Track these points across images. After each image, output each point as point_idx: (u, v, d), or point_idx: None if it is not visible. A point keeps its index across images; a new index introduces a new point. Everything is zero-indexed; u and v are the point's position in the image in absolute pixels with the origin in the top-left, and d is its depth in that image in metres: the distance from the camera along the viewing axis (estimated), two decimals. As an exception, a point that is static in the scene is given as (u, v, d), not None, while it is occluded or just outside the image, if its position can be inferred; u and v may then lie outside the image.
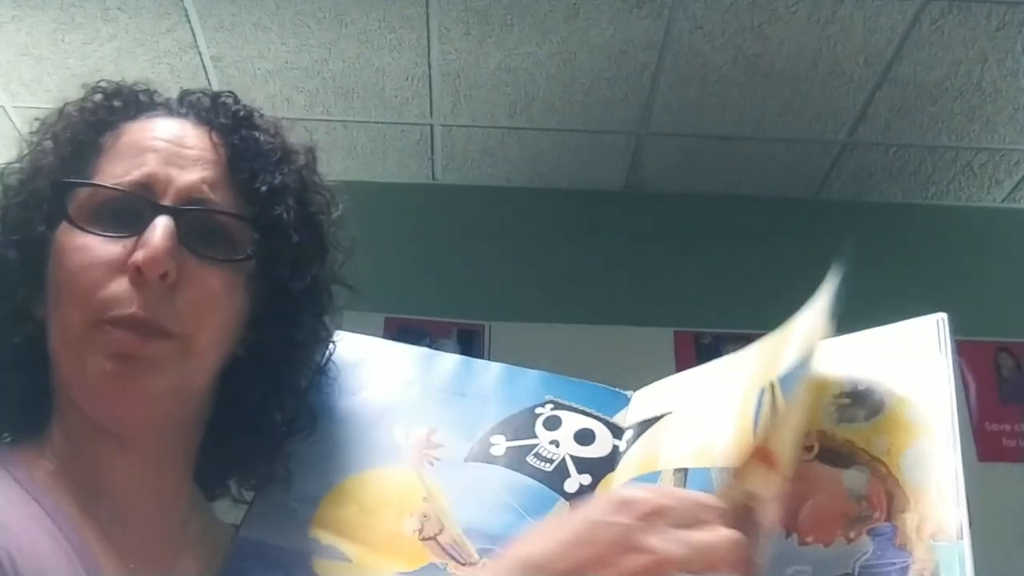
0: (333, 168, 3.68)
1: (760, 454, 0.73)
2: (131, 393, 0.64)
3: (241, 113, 0.72)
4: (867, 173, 3.12)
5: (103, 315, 0.63)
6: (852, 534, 0.62)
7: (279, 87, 2.78)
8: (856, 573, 0.61)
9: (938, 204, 3.26)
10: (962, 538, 0.59)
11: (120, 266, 0.64)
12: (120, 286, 0.63)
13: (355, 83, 2.77)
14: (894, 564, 0.60)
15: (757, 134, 2.94)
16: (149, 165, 0.68)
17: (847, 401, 0.70)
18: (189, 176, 0.68)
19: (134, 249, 0.64)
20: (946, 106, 2.76)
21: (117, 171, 0.67)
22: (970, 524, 0.59)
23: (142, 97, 0.74)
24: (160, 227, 0.64)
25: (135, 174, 0.67)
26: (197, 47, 2.63)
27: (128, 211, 0.66)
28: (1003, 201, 3.26)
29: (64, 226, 0.66)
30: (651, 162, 3.08)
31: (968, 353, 2.73)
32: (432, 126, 2.97)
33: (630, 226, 3.10)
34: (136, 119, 0.70)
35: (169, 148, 0.69)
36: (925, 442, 0.64)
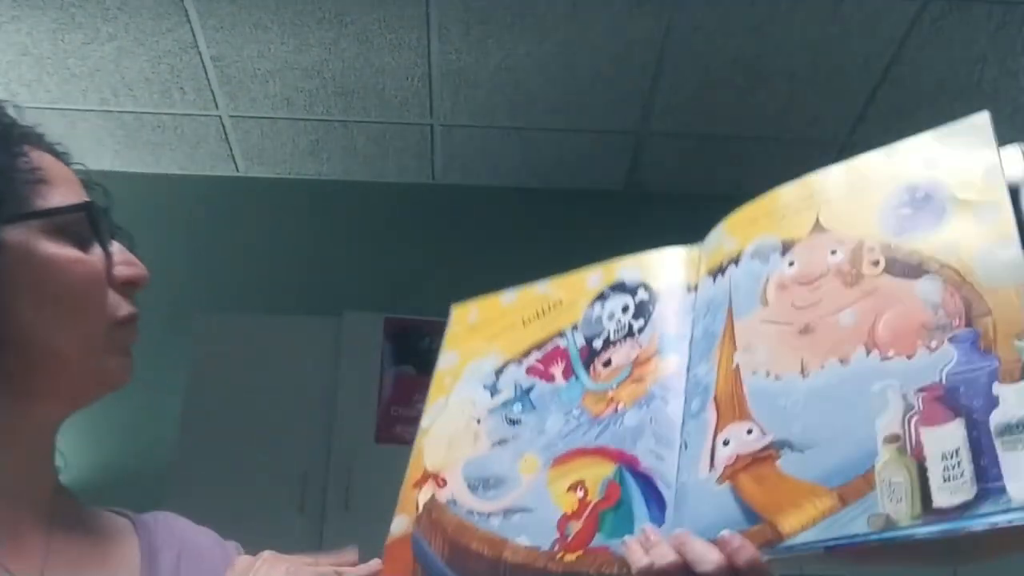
0: (333, 168, 3.68)
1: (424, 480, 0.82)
2: (126, 378, 0.75)
3: (64, 152, 0.81)
4: (867, 173, 3.12)
5: (114, 318, 0.73)
6: (934, 343, 0.60)
7: (279, 87, 2.78)
8: (945, 380, 0.59)
9: (938, 204, 3.26)
10: None
11: (107, 278, 0.74)
12: (113, 294, 0.74)
13: (355, 83, 2.77)
14: (982, 368, 0.58)
15: (757, 134, 2.94)
16: (81, 192, 0.76)
17: (907, 211, 0.68)
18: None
19: (110, 263, 0.74)
20: (946, 106, 2.77)
21: (59, 193, 0.73)
22: None
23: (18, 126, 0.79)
24: (122, 247, 0.76)
25: (77, 200, 0.74)
26: (197, 47, 2.63)
27: (87, 229, 0.73)
28: (1003, 201, 3.26)
29: (34, 235, 0.70)
30: (651, 162, 3.08)
31: (968, 353, 2.72)
32: (432, 126, 2.97)
33: (630, 226, 3.10)
34: (31, 146, 0.74)
35: (75, 178, 0.78)
36: (995, 244, 0.62)
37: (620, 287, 0.85)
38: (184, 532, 0.80)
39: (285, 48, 2.63)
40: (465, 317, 0.93)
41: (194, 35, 2.59)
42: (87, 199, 0.74)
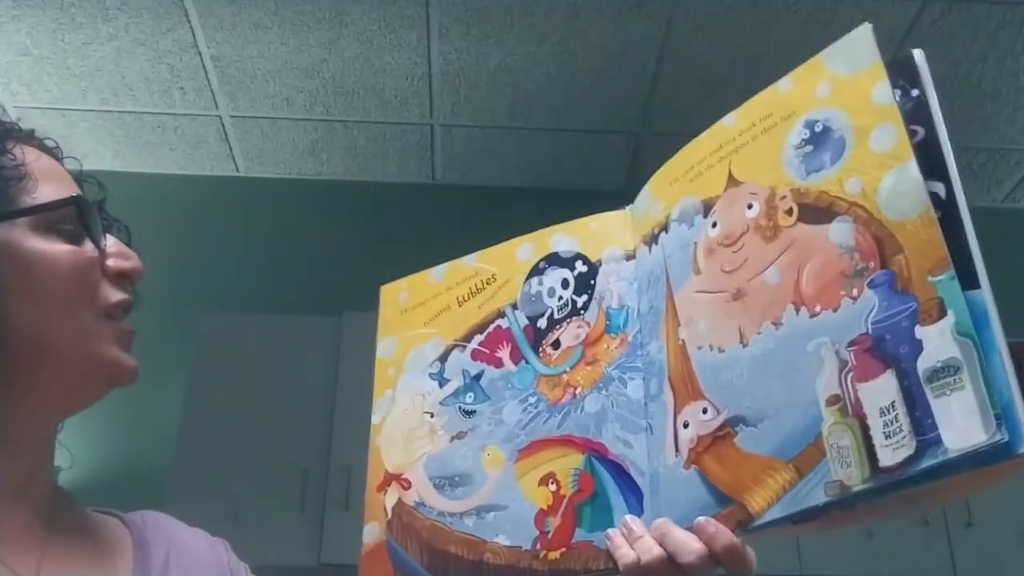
0: (333, 168, 3.68)
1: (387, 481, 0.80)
2: (135, 373, 0.75)
3: (54, 147, 0.81)
4: (867, 173, 3.12)
5: (105, 307, 0.73)
6: (855, 291, 0.60)
7: (279, 87, 2.78)
8: (871, 331, 0.59)
9: (938, 204, 3.26)
10: (955, 268, 0.57)
11: (100, 271, 0.74)
12: (107, 287, 0.74)
13: (355, 83, 2.77)
14: (902, 312, 0.58)
15: (757, 134, 2.94)
16: (72, 187, 0.76)
17: (809, 148, 0.67)
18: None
19: (103, 256, 0.74)
20: (946, 106, 2.75)
21: (48, 189, 0.74)
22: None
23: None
24: (116, 240, 0.76)
25: (66, 195, 0.74)
26: (197, 47, 2.63)
27: (79, 224, 0.74)
28: (1003, 201, 3.26)
29: (21, 232, 0.71)
30: (651, 162, 3.07)
31: (968, 353, 2.72)
32: (432, 126, 2.97)
33: (630, 226, 3.09)
34: (16, 142, 0.75)
35: (65, 174, 0.78)
36: (895, 168, 0.61)
37: (555, 259, 0.84)
38: (172, 529, 0.81)
39: (285, 48, 2.63)
40: (395, 298, 0.91)
41: (194, 35, 2.59)
42: (76, 194, 0.74)
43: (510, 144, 3.04)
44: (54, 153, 0.80)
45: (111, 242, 0.76)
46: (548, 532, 0.72)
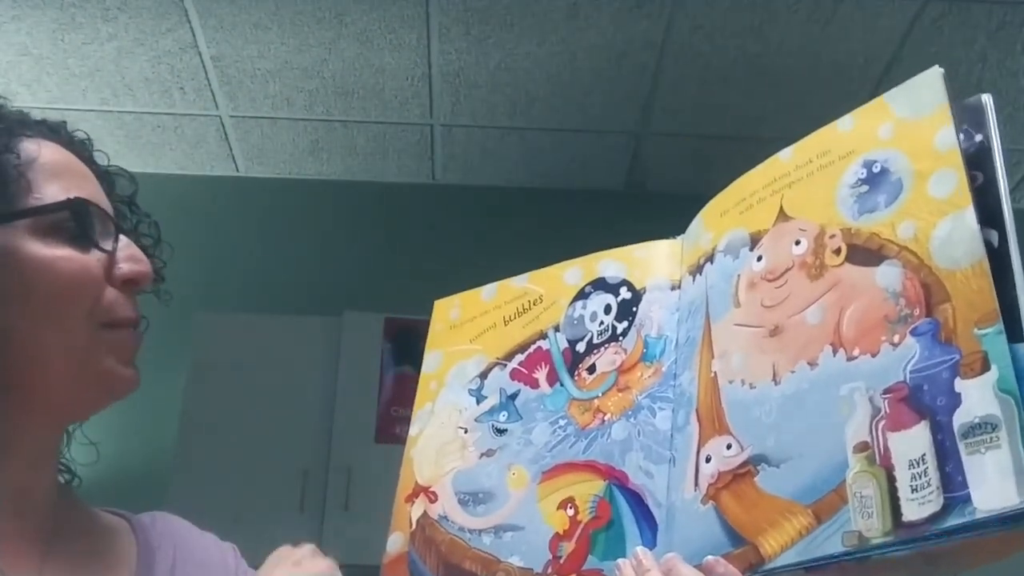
0: (333, 168, 3.68)
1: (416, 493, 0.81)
2: (133, 384, 0.72)
3: (83, 140, 0.78)
4: (867, 173, 3.12)
5: (107, 319, 0.70)
6: (896, 338, 0.58)
7: (279, 87, 2.78)
8: (908, 380, 0.57)
9: (938, 204, 3.26)
10: (1001, 322, 0.54)
11: (106, 276, 0.70)
12: (112, 294, 0.70)
13: (355, 83, 2.77)
14: (944, 363, 0.56)
15: (757, 134, 2.94)
16: (86, 187, 0.73)
17: (864, 188, 0.65)
18: (105, 199, 0.76)
19: (111, 261, 0.70)
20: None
21: (53, 189, 0.70)
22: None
23: (15, 116, 0.76)
24: (130, 243, 0.73)
25: (79, 193, 0.71)
26: (197, 47, 2.63)
27: (89, 226, 0.70)
28: (1003, 201, 3.26)
29: (19, 235, 0.68)
30: (651, 162, 3.08)
31: (968, 353, 2.72)
32: (432, 126, 2.97)
33: (630, 226, 3.09)
34: (30, 138, 0.72)
35: (82, 169, 0.75)
36: (951, 215, 0.58)
37: (601, 284, 0.83)
38: (181, 532, 0.80)
39: (285, 48, 2.63)
40: (447, 314, 0.92)
41: (194, 35, 2.59)
42: (74, 195, 0.70)
43: (510, 144, 3.04)
44: (78, 148, 0.77)
45: (123, 244, 0.72)
46: (561, 557, 0.72)
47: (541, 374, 0.82)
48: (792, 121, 2.88)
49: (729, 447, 0.66)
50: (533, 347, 0.83)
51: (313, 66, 2.70)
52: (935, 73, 0.67)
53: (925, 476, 0.55)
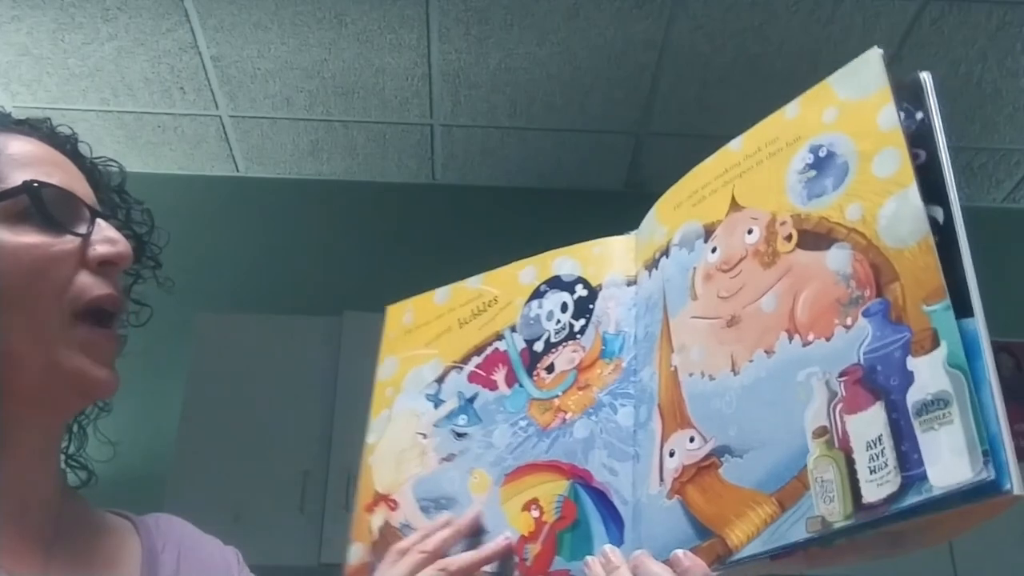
0: (333, 168, 3.68)
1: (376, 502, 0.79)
2: (109, 387, 0.70)
3: (68, 134, 0.77)
4: (867, 173, 3.12)
5: (80, 304, 0.67)
6: (849, 320, 0.59)
7: (279, 87, 2.78)
8: (862, 361, 0.57)
9: (938, 204, 3.26)
10: (948, 298, 0.55)
11: (80, 261, 0.68)
12: (85, 277, 0.68)
13: (355, 83, 2.77)
14: (895, 342, 0.56)
15: (757, 134, 2.94)
16: (56, 174, 0.71)
17: (812, 173, 0.66)
18: (84, 188, 0.74)
19: (85, 245, 0.68)
20: (946, 106, 2.76)
21: (17, 178, 0.68)
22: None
23: None
24: (108, 226, 0.71)
25: (45, 180, 0.69)
26: (197, 47, 2.63)
27: (61, 213, 0.69)
28: (1003, 201, 3.26)
29: None
30: (651, 162, 3.08)
31: (968, 353, 2.72)
32: (432, 126, 2.97)
33: (630, 226, 3.09)
34: (2, 133, 0.72)
35: (56, 159, 0.74)
36: (896, 194, 0.60)
37: (557, 282, 0.83)
38: (184, 535, 0.79)
39: (285, 48, 2.63)
40: (400, 318, 0.90)
41: (194, 35, 2.59)
42: (29, 179, 0.67)
43: (510, 144, 3.04)
44: (64, 141, 0.77)
45: (100, 228, 0.70)
46: (527, 559, 0.71)
47: (499, 376, 0.81)
48: (792, 121, 2.89)
49: (692, 440, 0.67)
50: (490, 349, 0.82)
51: (313, 66, 2.70)
52: (875, 54, 0.67)
53: (882, 457, 0.55)
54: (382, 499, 0.80)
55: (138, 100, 2.83)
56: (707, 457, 0.65)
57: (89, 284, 0.68)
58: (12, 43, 2.59)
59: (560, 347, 0.79)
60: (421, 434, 0.81)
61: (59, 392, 0.68)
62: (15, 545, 0.67)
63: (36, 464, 0.70)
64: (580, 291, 0.81)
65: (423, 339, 0.87)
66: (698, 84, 2.75)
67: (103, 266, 0.69)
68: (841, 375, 0.58)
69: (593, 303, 0.80)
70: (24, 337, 0.65)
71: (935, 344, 0.55)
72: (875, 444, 0.56)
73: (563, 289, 0.82)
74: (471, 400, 0.81)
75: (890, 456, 0.55)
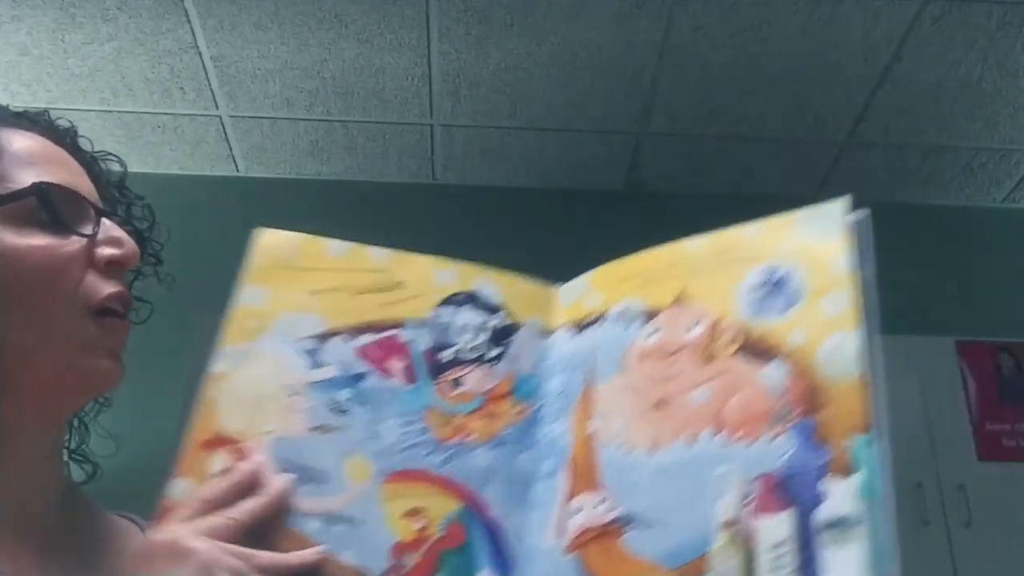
0: (333, 168, 3.68)
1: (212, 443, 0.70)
2: (114, 379, 0.71)
3: (67, 127, 0.76)
4: (867, 173, 3.12)
5: (93, 303, 0.68)
6: (775, 431, 0.63)
7: (279, 87, 2.78)
8: (780, 471, 0.62)
9: (938, 204, 3.26)
10: (872, 432, 0.60)
11: (88, 261, 0.69)
12: (94, 277, 0.69)
13: (355, 83, 2.77)
14: (814, 461, 0.61)
15: (757, 134, 2.94)
16: (60, 172, 0.71)
17: (764, 292, 0.70)
18: (87, 184, 0.74)
19: (92, 245, 0.68)
20: (946, 106, 2.77)
21: (23, 178, 0.68)
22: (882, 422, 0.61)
23: None
24: (113, 225, 0.71)
25: (54, 179, 0.69)
26: (197, 47, 2.63)
27: (67, 213, 0.69)
28: (1003, 201, 3.26)
29: None
30: (651, 162, 3.08)
31: (968, 353, 2.72)
32: (432, 126, 2.97)
33: (630, 226, 3.10)
34: (3, 129, 0.71)
35: (58, 155, 0.74)
36: (839, 336, 0.64)
37: (475, 300, 0.81)
38: None
39: (285, 48, 2.63)
40: (276, 248, 0.83)
41: (194, 35, 2.59)
42: (39, 181, 0.68)
43: (510, 144, 3.04)
44: (63, 135, 0.76)
45: (106, 227, 0.70)
46: (404, 567, 0.68)
47: (396, 366, 0.76)
48: (792, 121, 2.89)
49: (601, 503, 0.68)
50: (388, 333, 0.78)
51: (313, 66, 2.70)
52: (841, 205, 0.71)
53: (784, 559, 0.59)
54: (227, 442, 0.72)
55: (138, 100, 2.83)
56: (613, 522, 0.67)
57: (99, 284, 0.68)
58: (12, 43, 2.59)
59: (471, 366, 0.77)
60: (290, 389, 0.74)
61: (68, 389, 0.69)
62: (12, 544, 0.66)
63: (36, 464, 0.70)
64: (501, 319, 0.80)
65: (305, 285, 0.79)
66: (698, 84, 2.75)
67: (109, 267, 0.69)
68: (758, 478, 0.62)
69: (510, 337, 0.79)
70: (35, 337, 0.65)
71: (851, 471, 0.60)
72: (779, 547, 0.60)
73: (482, 309, 0.81)
74: (358, 377, 0.75)
75: (791, 561, 0.59)
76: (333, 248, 0.82)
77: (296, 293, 0.78)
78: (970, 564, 2.47)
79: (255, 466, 0.67)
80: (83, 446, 0.79)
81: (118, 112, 2.87)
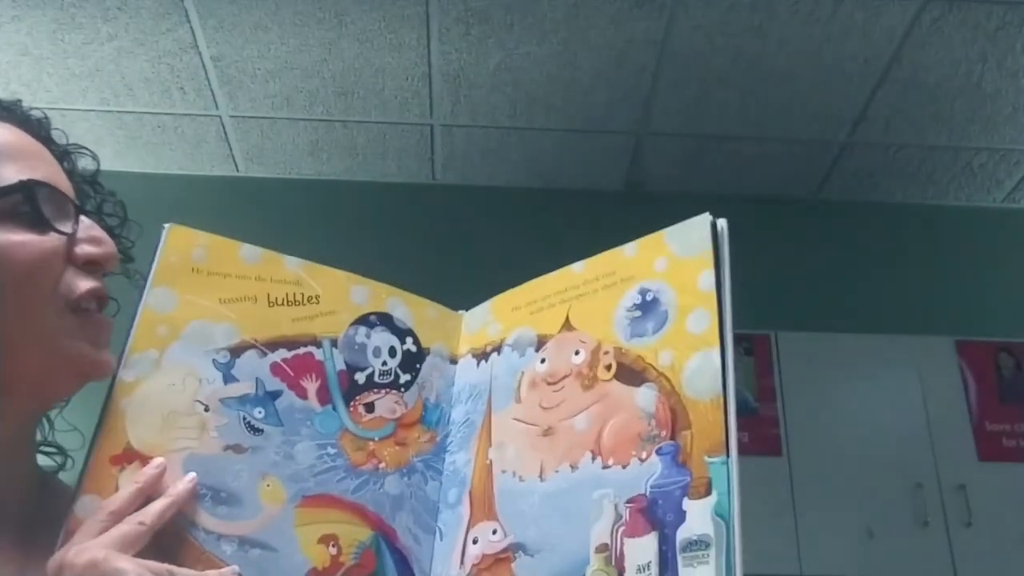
0: (333, 168, 3.68)
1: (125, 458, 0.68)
2: (107, 368, 0.70)
3: (40, 118, 0.76)
4: (867, 173, 3.12)
5: (71, 299, 0.68)
6: (644, 454, 0.66)
7: (279, 87, 2.78)
8: (648, 493, 0.64)
9: (938, 204, 3.26)
10: (729, 454, 0.62)
11: (67, 258, 0.69)
12: (72, 273, 0.69)
13: (355, 83, 2.77)
14: (677, 483, 0.63)
15: (757, 134, 2.94)
16: (41, 167, 0.71)
17: (638, 313, 0.73)
18: (64, 179, 0.74)
19: (71, 243, 0.69)
20: (946, 106, 2.77)
21: (6, 173, 0.69)
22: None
23: None
24: (92, 224, 0.71)
25: (33, 175, 0.69)
26: (197, 47, 2.63)
27: (49, 210, 0.69)
28: (1003, 201, 3.26)
29: None
30: (651, 162, 3.08)
31: (968, 353, 2.73)
32: (432, 126, 2.97)
33: (630, 226, 3.09)
34: None
35: (36, 149, 0.73)
36: (702, 354, 0.67)
37: (388, 321, 0.80)
38: None
39: (285, 48, 2.63)
40: (187, 248, 0.77)
41: (194, 35, 2.59)
42: (25, 178, 0.68)
43: (510, 144, 3.04)
44: (38, 127, 0.76)
45: (85, 226, 0.71)
46: None
47: (311, 385, 0.75)
48: (792, 121, 2.89)
49: (495, 532, 0.71)
50: (303, 350, 0.76)
51: (313, 66, 2.70)
52: (704, 219, 0.73)
53: None
54: (137, 456, 0.68)
55: (138, 100, 2.83)
56: (504, 550, 0.69)
57: (76, 280, 0.69)
58: (12, 43, 2.59)
59: (383, 391, 0.77)
60: (202, 404, 0.71)
61: (58, 378, 0.69)
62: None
63: (14, 453, 0.70)
64: (410, 344, 0.81)
65: (216, 292, 0.76)
66: (698, 84, 2.75)
67: (88, 266, 0.70)
68: (629, 501, 0.65)
69: (420, 364, 0.80)
70: (22, 333, 0.66)
71: (708, 492, 0.62)
72: (645, 569, 0.63)
73: (394, 333, 0.80)
74: (273, 396, 0.73)
75: None
76: (246, 253, 0.79)
77: (207, 300, 0.75)
78: (970, 564, 2.47)
79: (157, 470, 0.66)
80: (48, 438, 0.80)
81: (118, 112, 2.87)
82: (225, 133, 3.00)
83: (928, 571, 2.47)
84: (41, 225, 0.68)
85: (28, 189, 0.68)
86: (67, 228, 0.69)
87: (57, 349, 0.67)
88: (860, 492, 2.51)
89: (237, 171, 3.19)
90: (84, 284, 0.69)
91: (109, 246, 0.71)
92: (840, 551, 2.46)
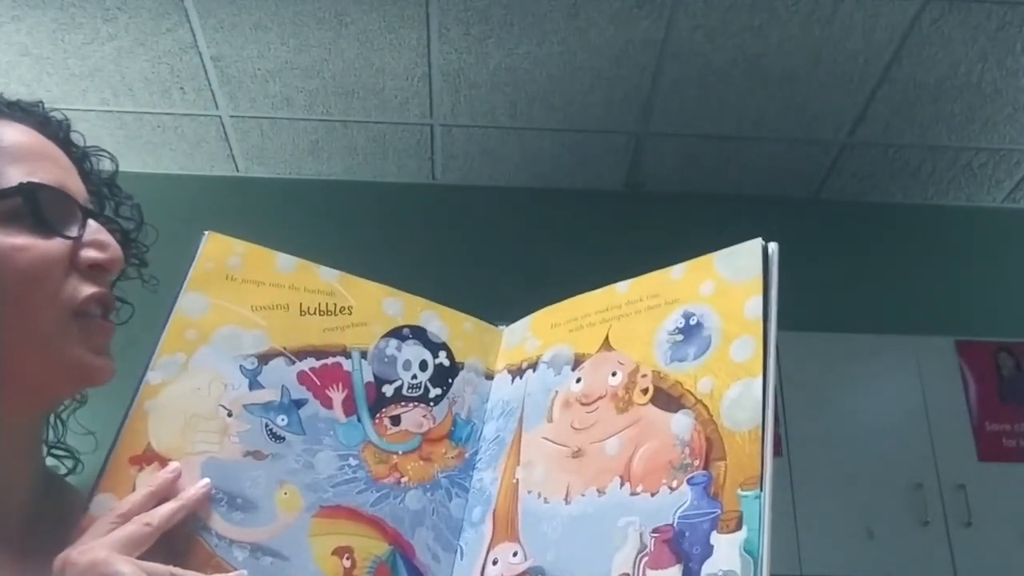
0: (333, 168, 3.68)
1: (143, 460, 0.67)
2: (106, 374, 0.70)
3: (60, 120, 0.76)
4: (867, 173, 3.12)
5: (73, 304, 0.68)
6: (675, 483, 0.64)
7: (279, 87, 2.78)
8: (675, 524, 0.62)
9: (938, 204, 3.26)
10: (763, 488, 0.60)
11: (71, 263, 0.68)
12: (76, 279, 0.68)
13: (355, 83, 2.77)
14: (707, 515, 0.61)
15: (757, 134, 2.94)
16: (50, 170, 0.71)
17: (680, 337, 0.70)
18: (76, 182, 0.74)
19: (76, 247, 0.68)
20: (946, 106, 2.77)
21: (12, 174, 0.68)
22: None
23: None
24: (99, 228, 0.70)
25: (43, 178, 0.69)
26: (197, 47, 2.63)
27: (53, 214, 0.68)
28: (1003, 201, 3.26)
29: None
30: (651, 162, 3.08)
31: (968, 353, 2.73)
32: (432, 126, 2.97)
33: (630, 226, 3.10)
34: None
35: (49, 151, 0.73)
36: (743, 384, 0.65)
37: (421, 335, 0.80)
38: None
39: (285, 48, 2.63)
40: (223, 256, 0.77)
41: (194, 35, 2.59)
42: (25, 181, 0.67)
43: (510, 144, 3.04)
44: (57, 128, 0.76)
45: (92, 230, 0.70)
46: None
47: (337, 396, 0.75)
48: (792, 121, 2.89)
49: (515, 555, 0.69)
50: (331, 360, 0.76)
51: (313, 66, 2.70)
52: (756, 244, 0.70)
53: None
54: (156, 459, 0.68)
55: (138, 100, 2.83)
56: (523, 574, 0.68)
57: (80, 286, 0.68)
58: (12, 43, 2.59)
59: (411, 405, 0.76)
60: (225, 408, 0.71)
61: (56, 382, 0.69)
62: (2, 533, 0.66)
63: (17, 455, 0.70)
64: (443, 358, 0.79)
65: (249, 299, 0.76)
66: (698, 84, 2.75)
67: (92, 271, 0.69)
68: (655, 531, 0.63)
69: (452, 378, 0.79)
70: (22, 336, 0.66)
71: (738, 526, 0.60)
72: None
73: (426, 347, 0.80)
74: (298, 404, 0.73)
75: None
76: (281, 262, 0.79)
77: (239, 306, 0.75)
78: (970, 564, 2.47)
79: (172, 474, 0.66)
80: (60, 441, 0.79)
81: (118, 112, 2.87)
82: (225, 133, 3.00)
83: (928, 571, 2.47)
84: (45, 229, 0.67)
85: (29, 192, 0.67)
86: (72, 232, 0.69)
87: (55, 354, 0.67)
88: (860, 492, 2.51)
89: (237, 171, 3.19)
90: (87, 289, 0.68)
91: (114, 251, 0.70)
92: (840, 551, 2.46)
